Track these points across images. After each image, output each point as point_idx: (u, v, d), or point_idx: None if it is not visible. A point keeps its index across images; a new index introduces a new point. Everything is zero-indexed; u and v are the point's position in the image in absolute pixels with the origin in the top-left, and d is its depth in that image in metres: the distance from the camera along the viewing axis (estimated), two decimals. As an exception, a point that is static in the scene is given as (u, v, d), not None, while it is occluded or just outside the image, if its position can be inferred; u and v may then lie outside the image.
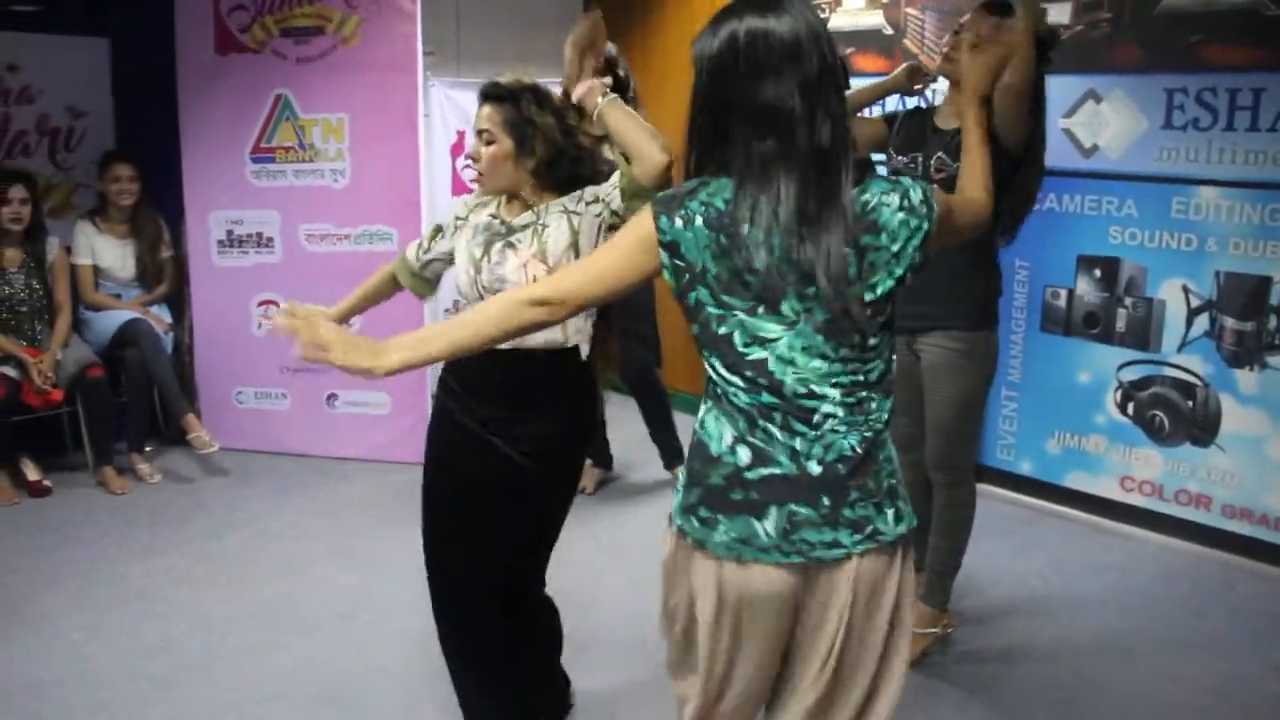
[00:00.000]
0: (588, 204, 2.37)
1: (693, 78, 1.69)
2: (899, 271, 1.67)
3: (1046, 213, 4.13)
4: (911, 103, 3.46)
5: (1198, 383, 3.86)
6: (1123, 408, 4.07)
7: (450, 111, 5.08)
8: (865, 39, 4.71)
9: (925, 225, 1.67)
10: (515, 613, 2.56)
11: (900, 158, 3.06)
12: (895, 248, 1.66)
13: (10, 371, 4.41)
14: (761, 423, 1.67)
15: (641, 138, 2.23)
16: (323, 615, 3.48)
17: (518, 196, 2.41)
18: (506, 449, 2.39)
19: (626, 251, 1.71)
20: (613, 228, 2.34)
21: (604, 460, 4.61)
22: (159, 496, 4.53)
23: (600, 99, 2.30)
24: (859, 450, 1.68)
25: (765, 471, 1.67)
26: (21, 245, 4.54)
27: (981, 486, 4.40)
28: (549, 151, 2.37)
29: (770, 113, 1.61)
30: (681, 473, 1.80)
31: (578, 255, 2.33)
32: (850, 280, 1.62)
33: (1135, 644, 3.28)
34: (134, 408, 4.71)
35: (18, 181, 4.48)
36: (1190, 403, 3.88)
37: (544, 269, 2.30)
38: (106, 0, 4.98)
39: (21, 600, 3.58)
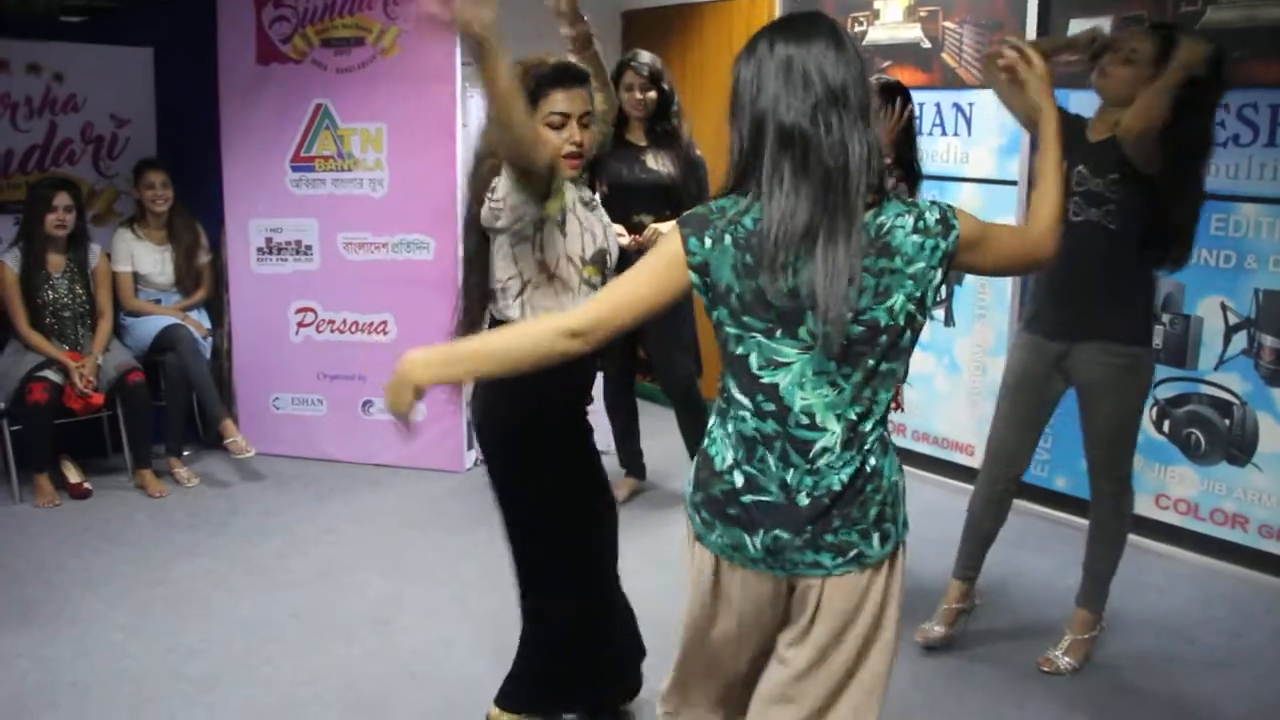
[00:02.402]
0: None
1: (731, 98, 1.73)
2: (916, 293, 1.69)
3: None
4: (1073, 107, 3.45)
5: (1235, 401, 3.83)
6: (1159, 425, 4.04)
7: (489, 123, 5.13)
8: (903, 52, 4.71)
9: (943, 245, 1.70)
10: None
11: None
12: (910, 270, 1.69)
13: (53, 375, 4.49)
14: (760, 451, 1.73)
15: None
16: (358, 621, 3.51)
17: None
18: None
19: (656, 275, 1.73)
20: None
21: (637, 470, 4.62)
22: (197, 500, 4.58)
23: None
24: (846, 483, 1.73)
25: (756, 498, 1.74)
26: (65, 251, 4.62)
27: (1017, 502, 4.40)
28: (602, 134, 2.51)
29: (794, 132, 1.65)
30: (692, 468, 1.85)
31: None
32: (854, 304, 1.65)
33: (1172, 662, 3.26)
34: (172, 412, 4.77)
35: (63, 189, 4.56)
36: (1227, 421, 3.85)
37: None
38: (151, 11, 5.05)
39: (64, 600, 3.64)
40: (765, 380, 1.70)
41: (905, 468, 5.08)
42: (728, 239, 1.67)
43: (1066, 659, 3.21)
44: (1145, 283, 3.06)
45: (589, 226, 2.47)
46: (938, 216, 1.71)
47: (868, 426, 1.73)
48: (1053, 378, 3.12)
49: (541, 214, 2.34)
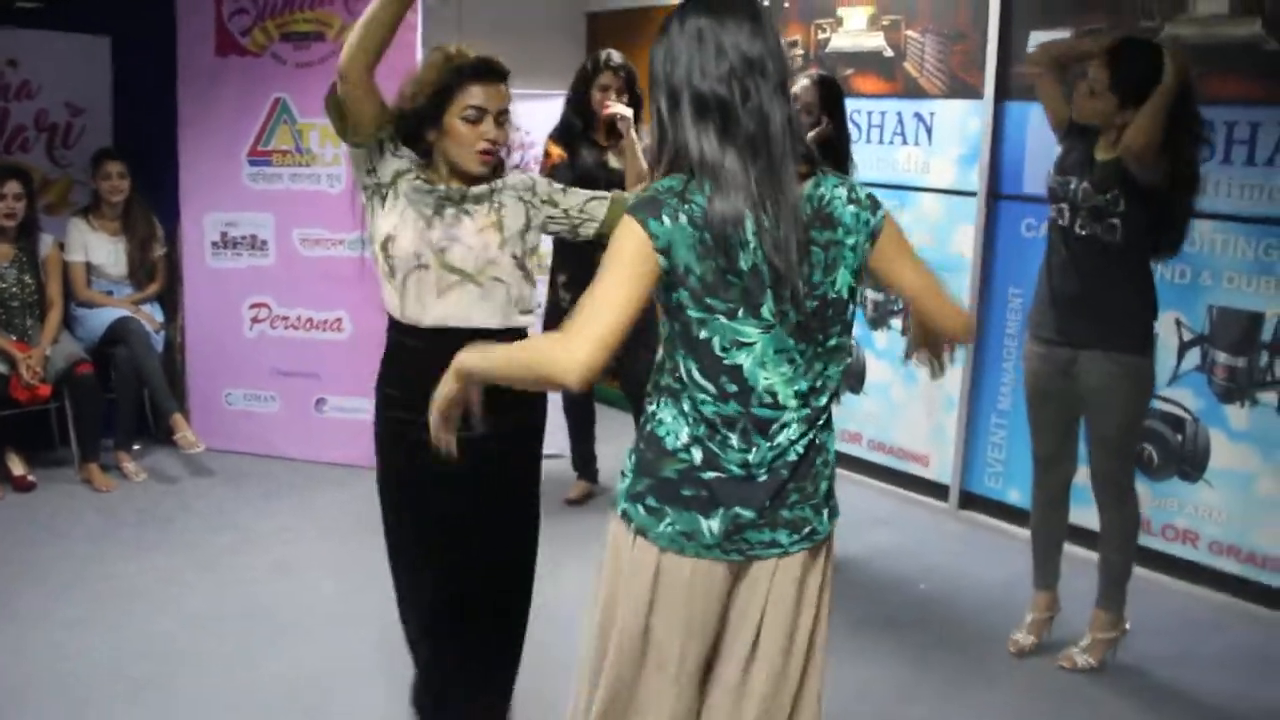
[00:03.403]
0: (542, 202, 2.39)
1: (649, 80, 1.74)
2: (855, 266, 1.73)
3: (1040, 241, 4.10)
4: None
5: (1187, 417, 3.86)
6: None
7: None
8: (866, 61, 4.73)
9: (871, 221, 1.73)
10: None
11: (1057, 176, 3.13)
12: (849, 241, 1.72)
13: (-1, 366, 4.41)
14: (722, 431, 1.70)
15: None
16: (307, 621, 3.46)
17: (460, 172, 2.32)
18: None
19: (631, 273, 1.64)
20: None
21: (590, 473, 4.60)
22: (145, 495, 4.51)
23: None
24: (800, 454, 1.74)
25: (715, 474, 1.71)
26: (14, 240, 4.53)
27: (968, 514, 4.45)
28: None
29: (709, 99, 1.65)
30: (631, 457, 1.80)
31: (526, 238, 2.34)
32: (808, 278, 1.67)
33: (1124, 677, 3.27)
34: (122, 405, 4.70)
35: (12, 177, 4.47)
36: (1180, 437, 3.88)
37: (498, 239, 2.29)
38: (108, -1, 4.98)
39: (8, 595, 3.57)
40: (728, 362, 1.68)
41: (860, 478, 5.14)
42: (683, 218, 1.63)
43: (1085, 657, 3.26)
44: (1146, 294, 3.13)
45: (425, 221, 2.31)
46: (866, 194, 1.75)
47: (821, 402, 1.76)
48: (1065, 381, 3.18)
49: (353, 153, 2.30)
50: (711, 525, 1.71)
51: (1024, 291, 4.22)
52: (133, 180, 4.82)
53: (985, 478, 4.44)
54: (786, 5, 5.03)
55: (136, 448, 4.87)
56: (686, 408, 1.72)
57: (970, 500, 4.49)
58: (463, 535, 2.35)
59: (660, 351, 1.78)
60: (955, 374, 4.47)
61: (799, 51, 4.96)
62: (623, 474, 1.81)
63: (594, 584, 1.87)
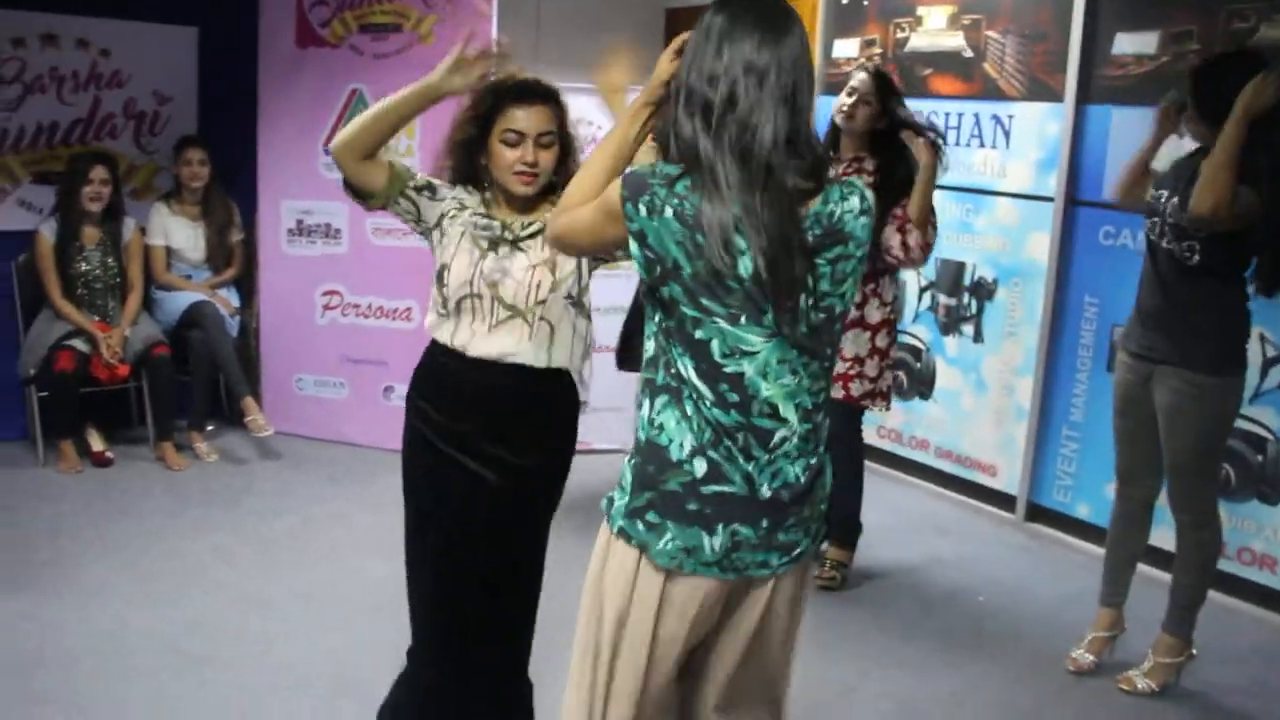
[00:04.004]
0: None
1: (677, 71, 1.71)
2: (860, 273, 1.72)
3: (1119, 250, 4.00)
4: (1115, 122, 3.73)
5: (1270, 437, 3.70)
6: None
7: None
8: (944, 61, 4.63)
9: (871, 223, 1.72)
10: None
11: (1154, 189, 3.07)
12: (859, 253, 1.70)
13: (80, 345, 4.55)
14: (725, 440, 1.67)
15: None
16: (356, 605, 3.50)
17: (516, 199, 2.31)
18: (477, 467, 2.28)
19: (596, 221, 1.73)
20: None
21: (849, 539, 3.89)
22: (214, 476, 4.62)
23: None
24: (803, 480, 1.72)
25: (718, 489, 1.68)
26: (100, 224, 4.67)
27: (1035, 526, 4.32)
28: (568, 155, 2.33)
29: (695, 95, 1.63)
30: (628, 471, 1.76)
31: (581, 275, 2.30)
32: (818, 292, 1.64)
33: (1187, 703, 3.14)
34: (196, 387, 4.82)
35: (99, 163, 4.61)
36: (1260, 457, 3.72)
37: (551, 279, 2.26)
38: (197, -10, 5.12)
39: (73, 566, 3.68)
40: (730, 370, 1.64)
41: (924, 483, 5.05)
42: (669, 211, 1.60)
43: (1146, 680, 3.15)
44: (1231, 315, 3.00)
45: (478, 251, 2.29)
46: (871, 195, 1.73)
47: (820, 418, 1.73)
48: (1146, 396, 3.10)
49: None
50: (713, 543, 1.69)
51: (1100, 301, 4.08)
52: (213, 167, 4.94)
53: (1054, 490, 4.31)
54: (866, 3, 4.95)
55: (210, 428, 4.99)
56: (690, 411, 1.67)
57: (1038, 513, 4.36)
58: (462, 560, 2.34)
59: (650, 346, 1.73)
60: (1026, 384, 4.36)
61: (877, 51, 4.87)
62: (620, 487, 1.77)
63: (588, 600, 1.82)
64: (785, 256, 1.58)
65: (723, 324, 1.63)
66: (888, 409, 3.79)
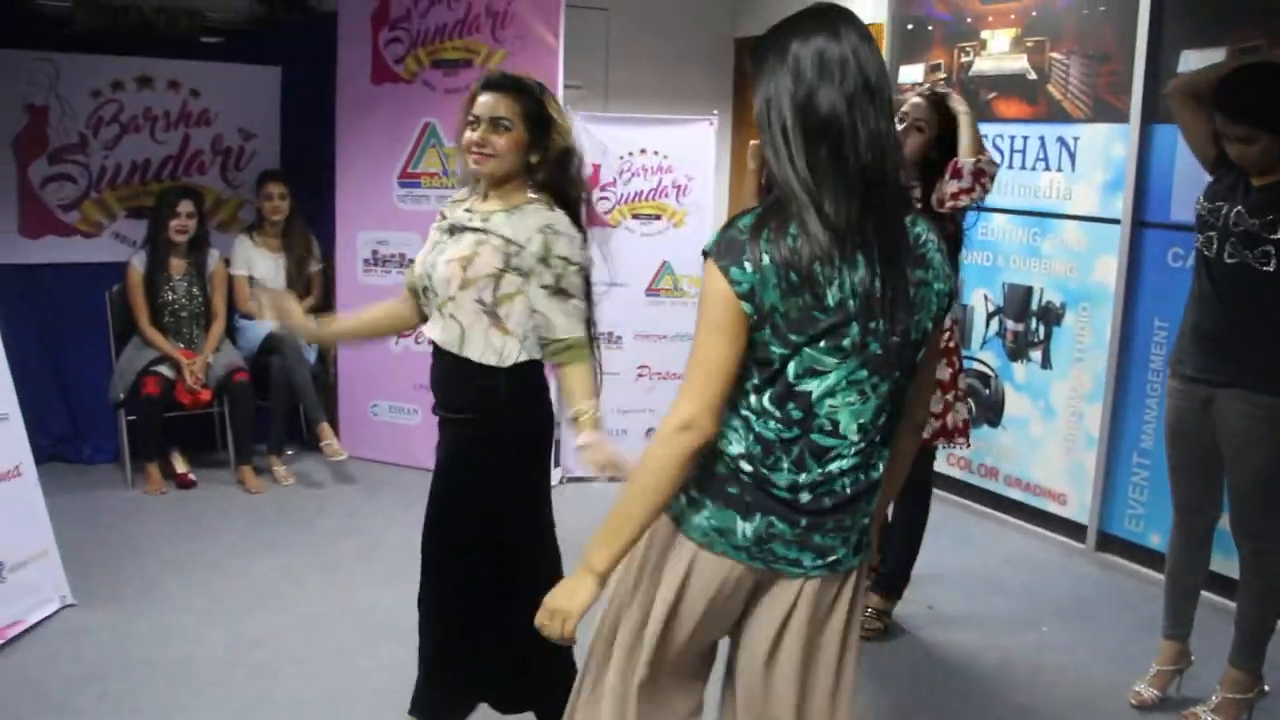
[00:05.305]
0: (525, 271, 2.42)
1: (761, 102, 1.66)
2: (936, 311, 1.70)
3: (1188, 272, 3.86)
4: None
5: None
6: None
7: (587, 144, 5.16)
8: (1008, 84, 4.58)
9: (947, 289, 1.74)
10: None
11: (1206, 203, 2.98)
12: (936, 286, 1.70)
13: (166, 371, 4.76)
14: (777, 453, 1.68)
15: None
16: (409, 625, 3.56)
17: (499, 186, 2.47)
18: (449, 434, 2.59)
19: (725, 335, 1.62)
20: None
21: (894, 590, 3.75)
22: (290, 498, 4.77)
23: None
24: (849, 492, 1.71)
25: (759, 489, 1.70)
26: (186, 255, 4.89)
27: (1105, 556, 4.22)
28: (559, 149, 2.48)
29: (829, 124, 1.59)
30: None
31: (497, 286, 2.41)
32: (912, 310, 1.65)
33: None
34: (275, 412, 4.99)
35: (187, 196, 4.84)
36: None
37: (461, 276, 2.39)
38: (280, 32, 5.33)
39: (152, 582, 3.84)
40: (800, 389, 1.66)
41: (993, 512, 4.93)
42: (767, 258, 1.58)
43: (1213, 717, 3.04)
44: None
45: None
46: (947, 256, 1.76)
47: (879, 439, 1.72)
48: (1204, 422, 2.99)
49: None
50: (746, 528, 1.70)
51: (1169, 325, 3.98)
52: (293, 200, 5.14)
53: (1125, 519, 4.20)
54: (930, 28, 4.94)
55: (289, 452, 5.17)
56: (752, 426, 1.69)
57: (1108, 542, 4.25)
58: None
59: None
60: (1096, 411, 4.26)
61: (941, 75, 4.85)
62: None
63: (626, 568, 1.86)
64: (895, 262, 1.62)
65: (806, 349, 1.64)
66: (968, 445, 3.58)
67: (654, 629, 1.79)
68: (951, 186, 3.20)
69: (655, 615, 1.79)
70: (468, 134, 2.44)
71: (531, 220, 2.43)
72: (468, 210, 2.50)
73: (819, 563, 1.73)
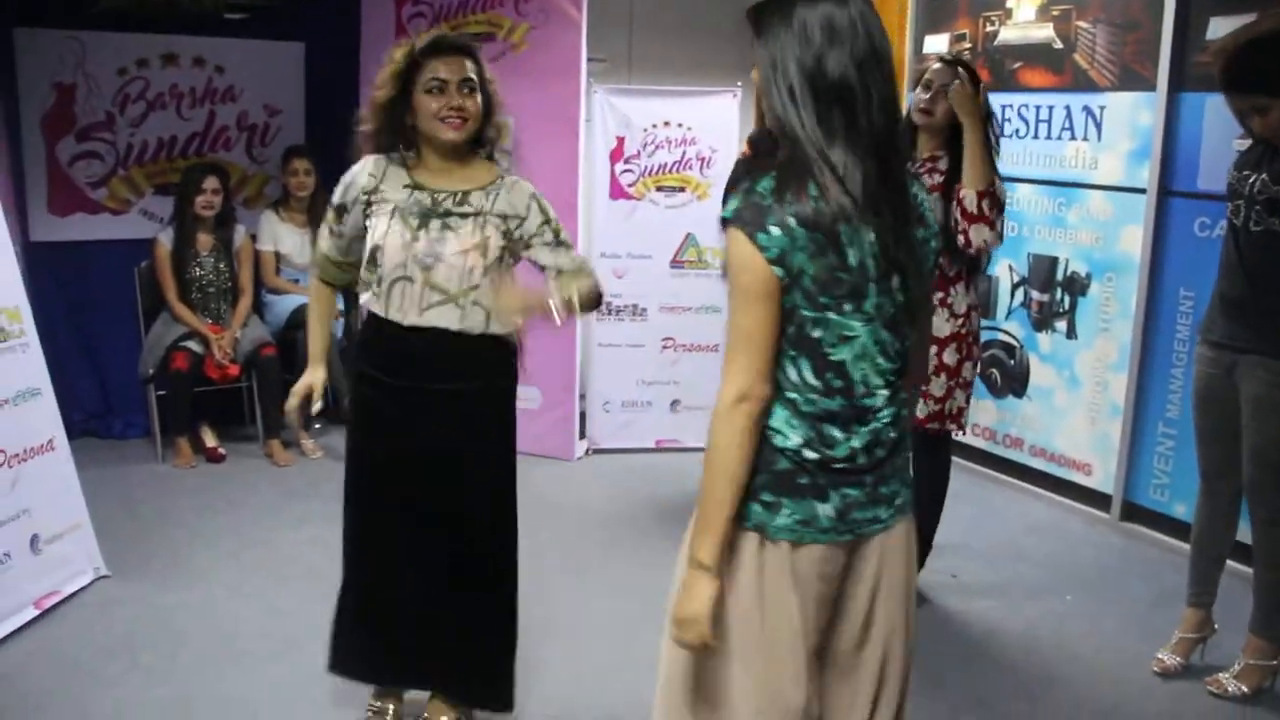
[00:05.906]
0: (522, 241, 2.50)
1: (766, 67, 1.66)
2: (929, 265, 1.78)
3: (1215, 241, 3.84)
4: (1208, 112, 3.65)
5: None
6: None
7: (611, 117, 5.16)
8: (1034, 53, 4.54)
9: (934, 244, 1.80)
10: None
11: (1235, 172, 2.97)
12: (933, 244, 1.77)
13: (194, 346, 4.81)
14: (826, 427, 1.71)
15: None
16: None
17: (452, 155, 2.46)
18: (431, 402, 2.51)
19: (759, 301, 1.63)
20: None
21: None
22: (318, 472, 4.82)
23: None
24: (894, 436, 1.77)
25: (825, 468, 1.72)
26: (213, 231, 4.93)
27: (1130, 526, 4.21)
28: (492, 108, 2.48)
29: (840, 88, 1.61)
30: None
31: (502, 268, 2.46)
32: (920, 269, 1.72)
33: None
34: (302, 387, 5.02)
35: (212, 173, 4.87)
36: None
37: (484, 263, 2.39)
38: (304, 8, 5.33)
39: (181, 554, 3.90)
40: (834, 358, 1.68)
41: (1018, 482, 4.92)
42: (794, 220, 1.59)
43: (1236, 683, 3.05)
44: None
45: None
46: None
47: (896, 377, 1.76)
48: (1229, 388, 3.00)
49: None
50: (826, 510, 1.72)
51: (1196, 294, 3.95)
52: (319, 175, 5.15)
53: (1150, 489, 4.19)
54: (955, -3, 4.90)
55: (318, 426, 5.21)
56: (795, 412, 1.70)
57: (1133, 512, 4.25)
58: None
59: None
60: (1121, 381, 4.25)
61: (966, 45, 4.81)
62: None
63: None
64: (906, 222, 1.68)
65: (832, 315, 1.66)
66: (961, 432, 3.55)
67: (793, 643, 1.75)
68: (986, 235, 3.18)
69: (790, 629, 1.75)
70: (433, 101, 2.39)
71: (518, 191, 2.50)
72: (423, 188, 2.46)
73: (891, 511, 1.79)
